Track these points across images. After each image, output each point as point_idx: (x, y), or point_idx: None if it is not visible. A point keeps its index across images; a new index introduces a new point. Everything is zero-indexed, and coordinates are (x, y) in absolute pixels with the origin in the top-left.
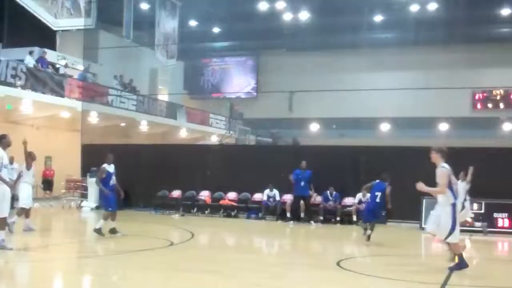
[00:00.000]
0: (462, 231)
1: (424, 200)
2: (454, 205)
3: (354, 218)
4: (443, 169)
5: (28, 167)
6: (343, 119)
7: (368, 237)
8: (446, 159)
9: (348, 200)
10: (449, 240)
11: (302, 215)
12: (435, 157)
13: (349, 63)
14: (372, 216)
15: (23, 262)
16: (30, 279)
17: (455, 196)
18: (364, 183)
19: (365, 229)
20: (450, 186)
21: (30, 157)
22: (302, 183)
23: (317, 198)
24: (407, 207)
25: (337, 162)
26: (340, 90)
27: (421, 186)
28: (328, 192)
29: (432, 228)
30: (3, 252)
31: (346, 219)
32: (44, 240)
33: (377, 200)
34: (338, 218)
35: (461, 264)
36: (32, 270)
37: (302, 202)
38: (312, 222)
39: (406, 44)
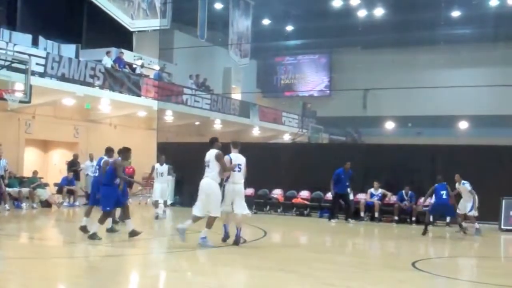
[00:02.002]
0: None
1: (503, 201)
2: (224, 187)
3: (431, 218)
4: (226, 156)
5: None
6: (419, 117)
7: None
8: (238, 149)
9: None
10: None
11: (376, 214)
12: (231, 148)
13: (425, 60)
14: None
15: (99, 258)
16: (110, 273)
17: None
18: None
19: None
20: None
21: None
22: (347, 183)
23: (392, 198)
24: (485, 208)
25: (413, 161)
26: (416, 88)
27: None
28: (404, 191)
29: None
30: (87, 246)
31: (422, 219)
32: (122, 236)
33: (444, 196)
34: (413, 218)
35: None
36: (111, 265)
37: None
38: (349, 219)
39: (485, 40)
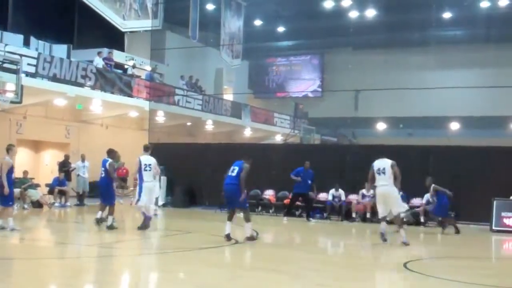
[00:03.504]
0: None
1: (494, 201)
2: (140, 185)
3: (422, 219)
4: (136, 159)
5: None
6: (410, 118)
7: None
8: (150, 152)
9: (415, 201)
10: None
11: (368, 215)
12: (143, 151)
13: (416, 61)
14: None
15: (90, 258)
16: (101, 274)
17: (142, 179)
18: (434, 183)
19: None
20: (140, 172)
21: None
22: (309, 182)
23: None
24: (477, 208)
25: (404, 162)
26: (408, 89)
27: None
28: None
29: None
30: (79, 246)
31: (413, 220)
32: (111, 236)
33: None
34: (405, 219)
35: (146, 222)
36: (103, 266)
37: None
38: (311, 219)
39: (476, 41)
